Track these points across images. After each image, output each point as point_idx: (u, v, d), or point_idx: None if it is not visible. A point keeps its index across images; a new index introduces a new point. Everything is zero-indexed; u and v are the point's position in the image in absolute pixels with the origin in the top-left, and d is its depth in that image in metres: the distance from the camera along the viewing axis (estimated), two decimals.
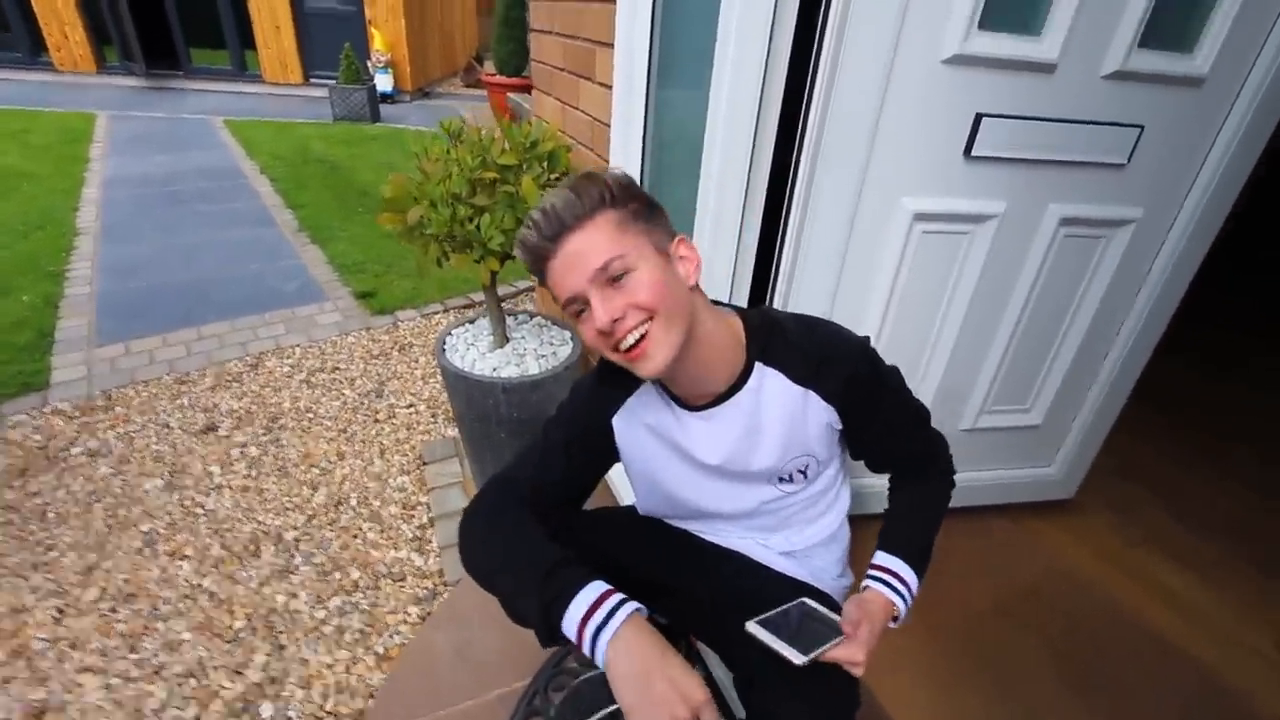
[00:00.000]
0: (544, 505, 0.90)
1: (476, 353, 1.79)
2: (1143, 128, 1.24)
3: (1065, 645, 1.40)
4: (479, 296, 3.23)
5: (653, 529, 1.07)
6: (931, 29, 1.07)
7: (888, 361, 0.91)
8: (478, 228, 1.54)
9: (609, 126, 1.69)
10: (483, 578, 0.86)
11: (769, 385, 0.86)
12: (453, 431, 2.27)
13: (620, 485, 1.73)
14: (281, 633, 1.53)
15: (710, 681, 1.24)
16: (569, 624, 0.73)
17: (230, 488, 1.97)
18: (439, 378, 2.57)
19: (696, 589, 0.99)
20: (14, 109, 6.43)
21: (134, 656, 1.46)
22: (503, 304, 1.82)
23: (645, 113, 1.54)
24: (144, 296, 3.07)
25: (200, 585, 1.65)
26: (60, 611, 1.56)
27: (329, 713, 1.37)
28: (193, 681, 1.41)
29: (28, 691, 1.38)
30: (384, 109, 7.59)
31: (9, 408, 2.26)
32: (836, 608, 0.87)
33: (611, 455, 0.97)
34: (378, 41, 8.19)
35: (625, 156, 1.63)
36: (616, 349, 0.77)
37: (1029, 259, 1.35)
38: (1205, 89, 1.23)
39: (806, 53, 1.06)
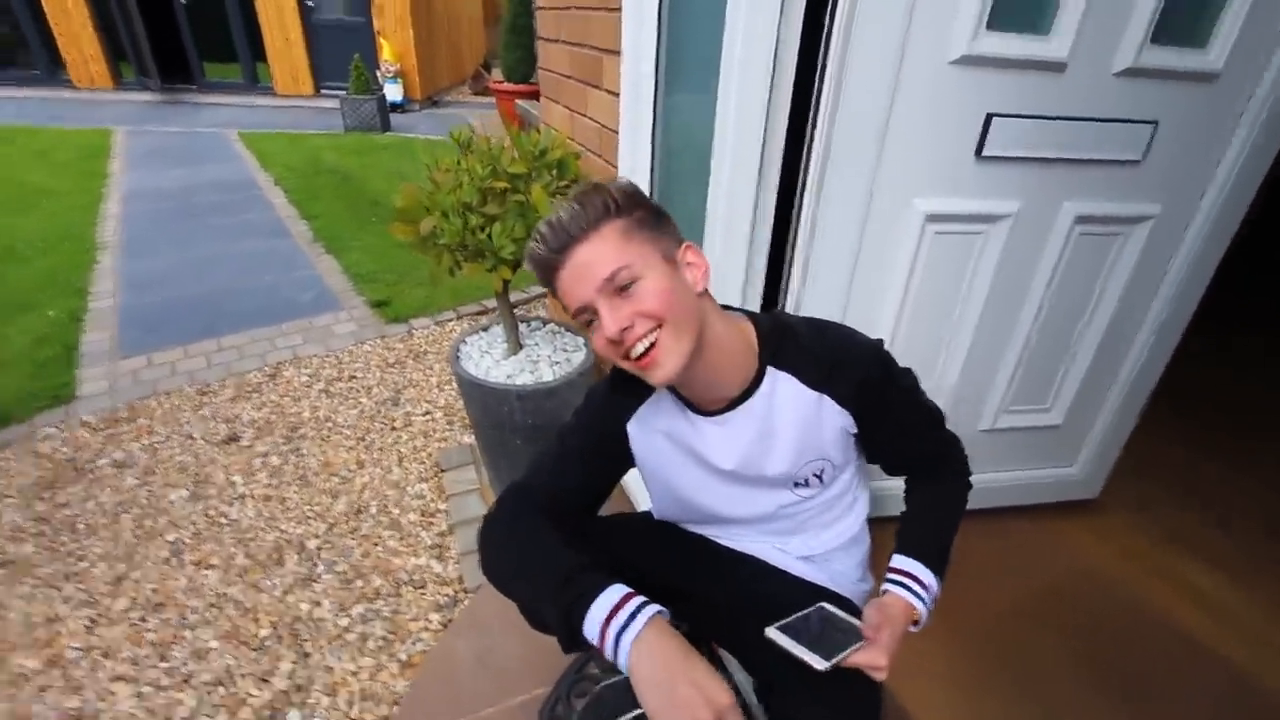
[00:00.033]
0: (560, 512, 0.90)
1: (491, 360, 1.81)
2: (1157, 123, 1.23)
3: (1088, 645, 1.39)
4: (492, 303, 3.26)
5: (668, 534, 1.07)
6: (939, 30, 1.07)
7: (903, 363, 0.91)
8: (489, 236, 1.56)
9: (617, 133, 1.70)
10: (503, 585, 0.87)
11: (782, 389, 0.86)
12: (469, 438, 2.29)
13: (636, 491, 1.73)
14: (306, 640, 1.56)
15: (732, 686, 1.24)
16: (590, 627, 0.73)
17: (253, 497, 2.01)
18: (454, 385, 2.59)
19: (712, 594, 1.00)
20: (35, 127, 6.57)
21: (164, 665, 1.49)
22: (515, 310, 1.84)
23: (653, 119, 1.54)
24: (164, 309, 3.13)
25: (226, 594, 1.68)
26: (92, 621, 1.59)
27: None
28: (221, 689, 1.44)
29: (63, 700, 1.41)
30: (394, 118, 7.66)
31: (38, 421, 2.31)
32: (856, 611, 0.86)
33: (626, 461, 0.97)
34: (386, 52, 8.27)
35: (634, 163, 1.64)
36: (627, 357, 0.77)
37: (1044, 257, 1.35)
38: (1219, 84, 1.21)
39: (813, 57, 1.07)
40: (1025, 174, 1.24)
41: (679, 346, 0.76)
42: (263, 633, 1.57)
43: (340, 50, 8.09)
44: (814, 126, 1.11)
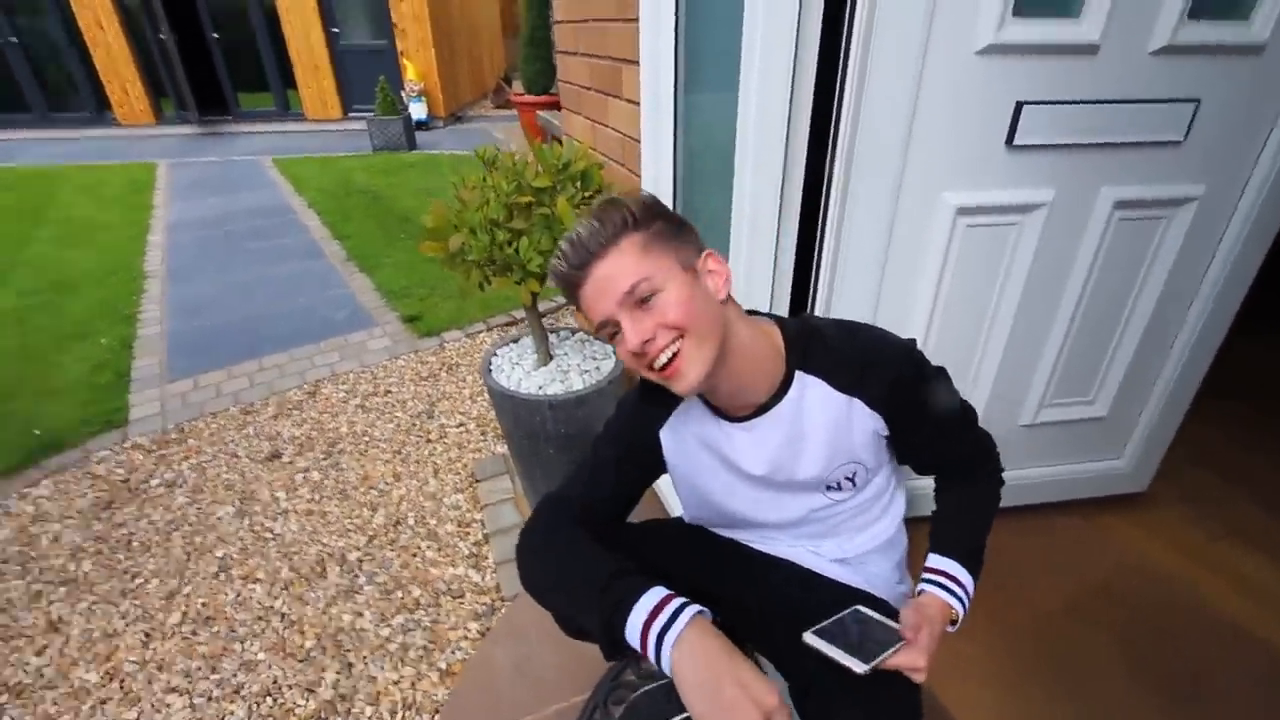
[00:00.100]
0: (594, 521, 0.91)
1: (522, 371, 1.83)
2: (1199, 101, 1.18)
3: (1138, 644, 1.33)
4: (520, 313, 3.30)
5: (698, 538, 1.07)
6: (963, 21, 1.05)
7: (936, 362, 0.89)
8: (516, 251, 1.58)
9: (639, 142, 1.71)
10: (542, 596, 0.87)
11: (811, 394, 0.85)
12: (502, 448, 2.31)
13: (669, 495, 1.73)
14: (349, 651, 1.59)
15: None
16: (632, 632, 0.72)
17: (296, 512, 2.06)
18: (486, 396, 2.63)
19: (744, 598, 0.99)
20: (85, 164, 6.92)
21: (215, 677, 1.54)
22: (544, 319, 1.86)
23: (674, 126, 1.55)
24: (209, 333, 3.25)
25: (272, 607, 1.72)
26: (147, 635, 1.66)
27: None
28: (269, 700, 1.48)
29: (121, 712, 1.47)
30: (419, 136, 7.85)
31: (94, 445, 2.42)
32: (891, 613, 0.85)
33: (659, 468, 0.98)
34: (410, 72, 8.49)
35: (657, 170, 1.64)
36: (650, 368, 0.78)
37: (1083, 246, 1.30)
38: (1265, 56, 1.16)
39: (835, 56, 1.06)
40: (1059, 161, 1.20)
41: (701, 355, 0.76)
42: (308, 644, 1.61)
43: (366, 73, 8.35)
44: (838, 125, 1.10)
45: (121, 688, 1.52)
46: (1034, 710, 1.22)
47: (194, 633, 1.66)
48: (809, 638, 0.77)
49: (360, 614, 1.69)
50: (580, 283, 0.78)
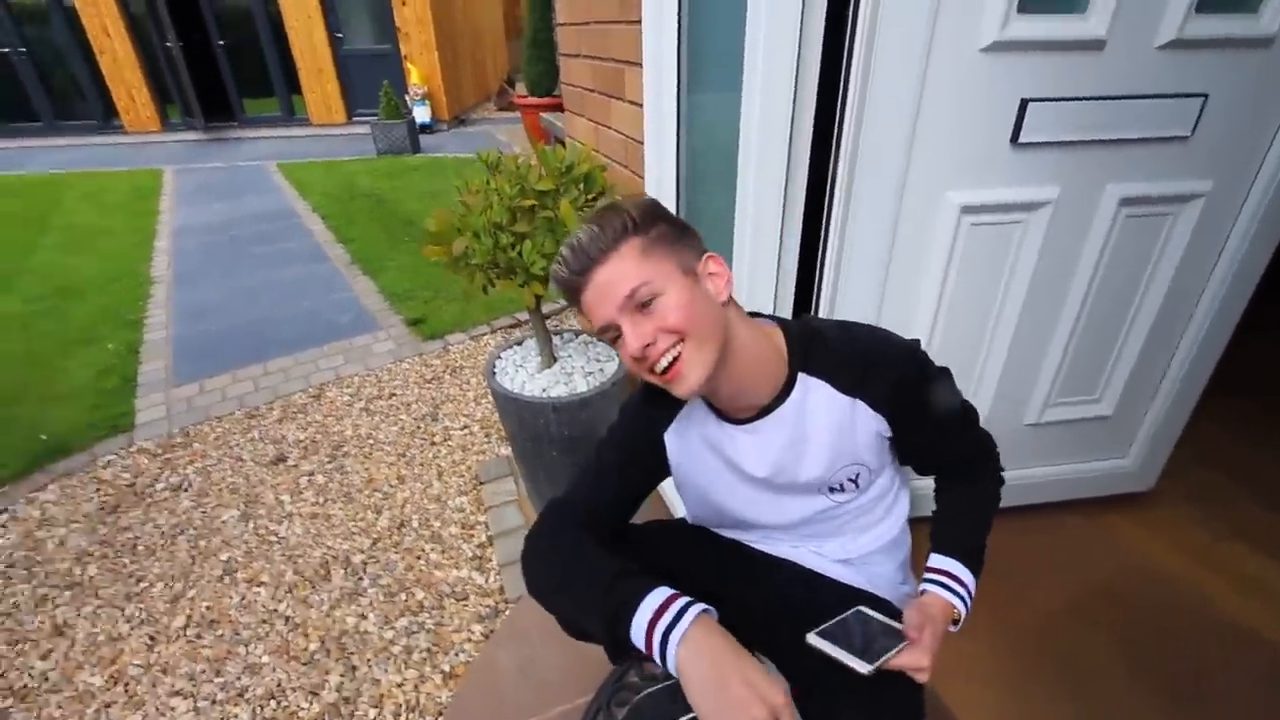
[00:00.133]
0: (598, 525, 0.91)
1: (525, 374, 1.82)
2: (1207, 96, 1.17)
3: (1141, 644, 1.32)
4: (524, 315, 3.30)
5: (700, 539, 1.07)
6: (967, 18, 1.04)
7: (940, 362, 0.88)
8: (520, 254, 1.58)
9: (642, 143, 1.71)
10: (547, 599, 0.87)
11: (813, 396, 0.85)
12: (506, 450, 2.31)
13: (672, 497, 1.72)
14: (353, 654, 1.58)
15: None
16: (636, 632, 0.72)
17: (300, 515, 2.06)
18: (490, 399, 2.63)
19: (747, 598, 0.98)
20: (91, 171, 6.96)
21: (219, 680, 1.54)
22: (548, 320, 1.85)
23: (677, 127, 1.54)
24: (214, 338, 3.26)
25: (276, 610, 1.72)
26: (152, 639, 1.66)
27: None
28: (273, 703, 1.48)
29: (125, 715, 1.47)
30: (423, 139, 7.86)
31: (100, 449, 2.42)
32: (893, 613, 0.85)
33: (663, 471, 0.97)
34: (414, 76, 8.52)
35: (660, 172, 1.64)
36: (652, 371, 0.78)
37: (1088, 243, 1.29)
38: (1275, 49, 1.15)
39: (838, 55, 1.05)
40: (1064, 158, 1.19)
41: (702, 359, 0.76)
42: (312, 647, 1.61)
43: (369, 78, 8.38)
44: (841, 124, 1.09)
45: (126, 691, 1.52)
46: (1036, 710, 1.21)
47: (198, 636, 1.66)
48: (812, 638, 0.77)
49: (364, 616, 1.68)
50: (581, 288, 0.78)
